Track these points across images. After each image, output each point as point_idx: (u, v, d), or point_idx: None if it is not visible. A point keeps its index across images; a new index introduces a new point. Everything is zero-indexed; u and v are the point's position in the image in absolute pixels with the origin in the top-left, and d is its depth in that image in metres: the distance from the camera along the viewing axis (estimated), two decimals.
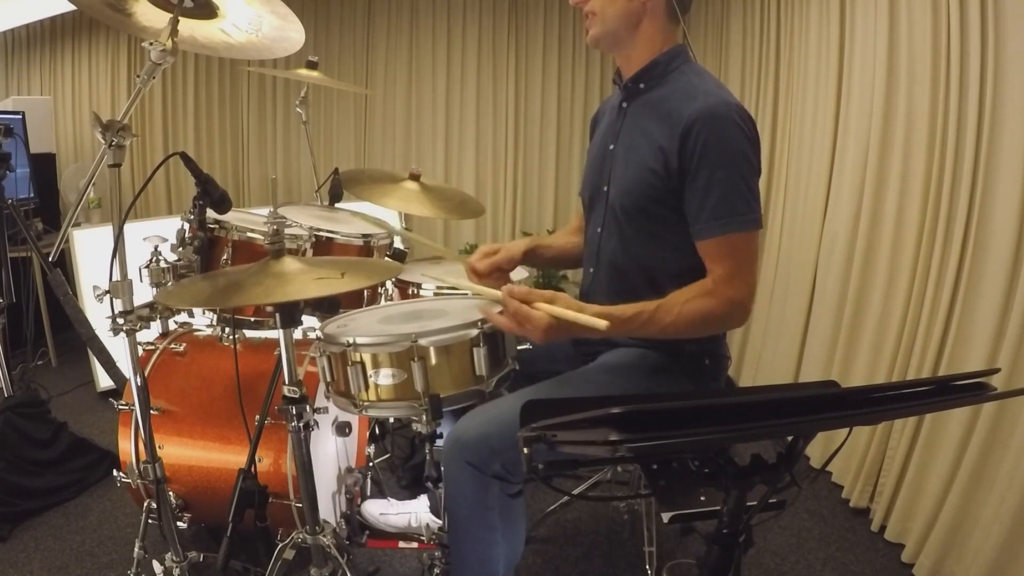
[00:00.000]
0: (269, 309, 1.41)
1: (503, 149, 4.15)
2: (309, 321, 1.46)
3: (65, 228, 1.46)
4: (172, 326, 1.77)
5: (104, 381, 2.81)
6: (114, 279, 1.30)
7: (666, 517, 0.94)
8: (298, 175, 4.35)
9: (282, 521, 1.53)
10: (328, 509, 1.69)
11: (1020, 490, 1.45)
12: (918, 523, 1.77)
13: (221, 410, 1.59)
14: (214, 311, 1.70)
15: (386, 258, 1.92)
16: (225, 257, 1.62)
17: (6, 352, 2.33)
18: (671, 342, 1.31)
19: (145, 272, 1.48)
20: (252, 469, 1.40)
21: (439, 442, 1.35)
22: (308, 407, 1.34)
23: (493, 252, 1.50)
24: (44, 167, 3.57)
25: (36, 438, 2.11)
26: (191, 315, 1.81)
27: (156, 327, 1.57)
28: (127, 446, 1.59)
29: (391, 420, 2.22)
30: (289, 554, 1.41)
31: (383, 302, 1.88)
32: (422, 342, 1.22)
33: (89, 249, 2.77)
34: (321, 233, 1.77)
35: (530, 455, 0.74)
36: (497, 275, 1.48)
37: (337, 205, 2.13)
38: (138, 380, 1.36)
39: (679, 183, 1.24)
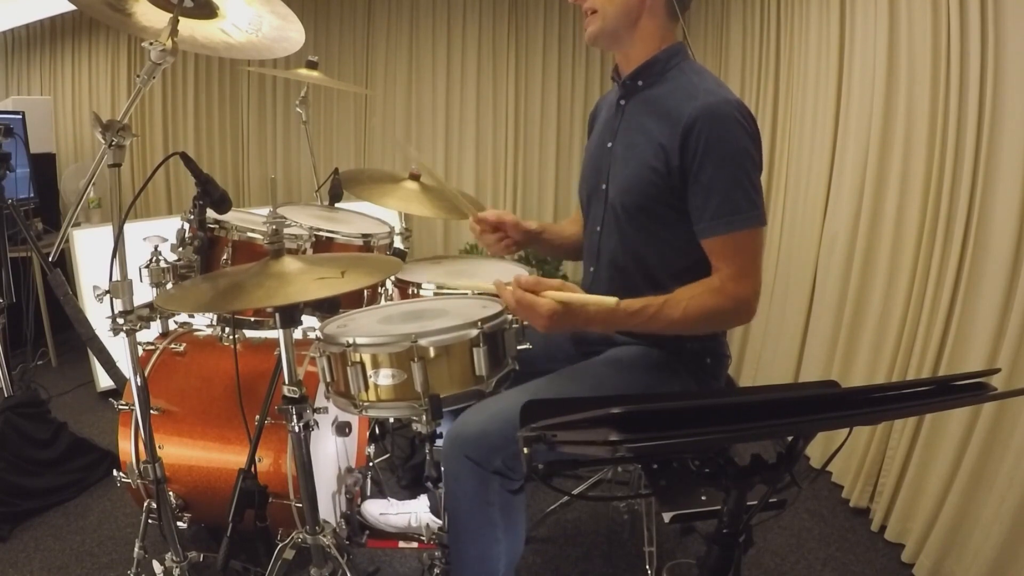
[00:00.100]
0: (269, 309, 1.41)
1: (503, 149, 4.14)
2: (309, 321, 1.46)
3: (65, 228, 1.45)
4: (172, 326, 1.77)
5: (104, 381, 2.81)
6: (114, 279, 1.30)
7: (666, 517, 0.94)
8: (298, 175, 4.35)
9: (282, 521, 1.53)
10: (328, 509, 1.69)
11: (1020, 490, 1.45)
12: (918, 523, 1.77)
13: (221, 410, 1.59)
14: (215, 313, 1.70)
15: None
16: (225, 257, 1.62)
17: (6, 352, 2.33)
18: (673, 340, 1.32)
19: (145, 272, 1.48)
20: (252, 469, 1.40)
21: (439, 442, 1.35)
22: (308, 407, 1.34)
23: (500, 227, 1.51)
24: (44, 167, 3.56)
25: (36, 438, 2.11)
26: (191, 315, 1.81)
27: (156, 327, 1.58)
28: (127, 446, 1.59)
29: (391, 420, 2.22)
30: (289, 554, 1.41)
31: (383, 302, 1.88)
32: (422, 342, 1.22)
33: (89, 249, 2.77)
34: (321, 233, 1.77)
35: (530, 455, 0.74)
36: (500, 236, 1.51)
37: (337, 205, 2.13)
38: (138, 380, 1.36)
39: (680, 181, 1.24)
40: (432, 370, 1.24)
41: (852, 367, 2.16)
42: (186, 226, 1.59)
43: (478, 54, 4.08)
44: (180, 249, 1.56)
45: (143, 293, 1.41)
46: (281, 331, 1.30)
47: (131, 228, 1.30)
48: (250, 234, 1.63)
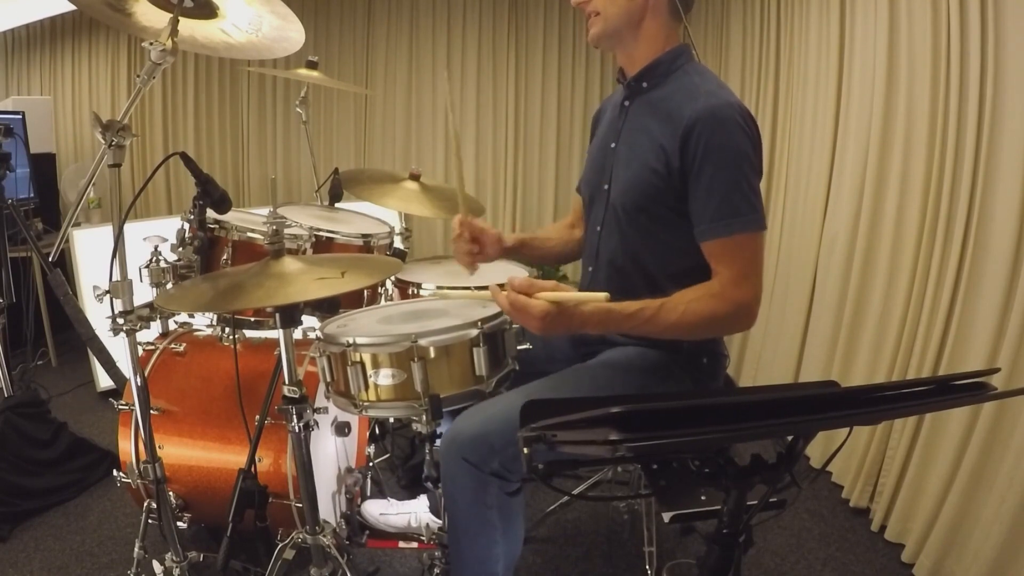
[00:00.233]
0: (269, 309, 1.41)
1: (503, 149, 4.15)
2: (309, 321, 1.46)
3: (65, 228, 1.46)
4: (172, 326, 1.77)
5: (104, 381, 2.81)
6: (114, 279, 1.30)
7: (666, 517, 0.94)
8: (298, 175, 4.35)
9: (282, 521, 1.53)
10: (328, 509, 1.69)
11: (1020, 490, 1.45)
12: (918, 523, 1.77)
13: (221, 410, 1.59)
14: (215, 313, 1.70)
15: None
16: (225, 257, 1.62)
17: (6, 352, 2.33)
18: (670, 340, 1.31)
19: (145, 272, 1.48)
20: (252, 469, 1.40)
21: (439, 442, 1.35)
22: (308, 407, 1.34)
23: (478, 240, 1.43)
24: (44, 167, 3.56)
25: (36, 438, 2.11)
26: (191, 315, 1.81)
27: (156, 327, 1.58)
28: (127, 446, 1.59)
29: (391, 420, 2.22)
30: (289, 554, 1.41)
31: (383, 302, 1.88)
32: (422, 342, 1.22)
33: (89, 249, 2.77)
34: (321, 233, 1.77)
35: (530, 455, 0.74)
36: (475, 248, 1.42)
37: (337, 205, 2.13)
38: (138, 380, 1.36)
39: (680, 183, 1.24)
40: (432, 370, 1.24)
41: (852, 367, 2.16)
42: (186, 226, 1.59)
43: (478, 54, 4.08)
44: (180, 249, 1.56)
45: (143, 293, 1.41)
46: (281, 331, 1.30)
47: (131, 228, 1.30)
48: (250, 234, 1.63)
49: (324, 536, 1.41)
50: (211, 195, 1.45)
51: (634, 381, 1.33)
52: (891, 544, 1.88)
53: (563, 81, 4.07)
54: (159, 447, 1.51)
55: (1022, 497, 1.45)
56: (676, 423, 0.64)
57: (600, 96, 4.01)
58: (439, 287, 1.79)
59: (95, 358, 2.57)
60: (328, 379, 1.34)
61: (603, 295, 1.08)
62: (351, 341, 1.25)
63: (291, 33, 1.54)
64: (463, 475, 1.21)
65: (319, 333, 1.34)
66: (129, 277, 1.32)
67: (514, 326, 1.35)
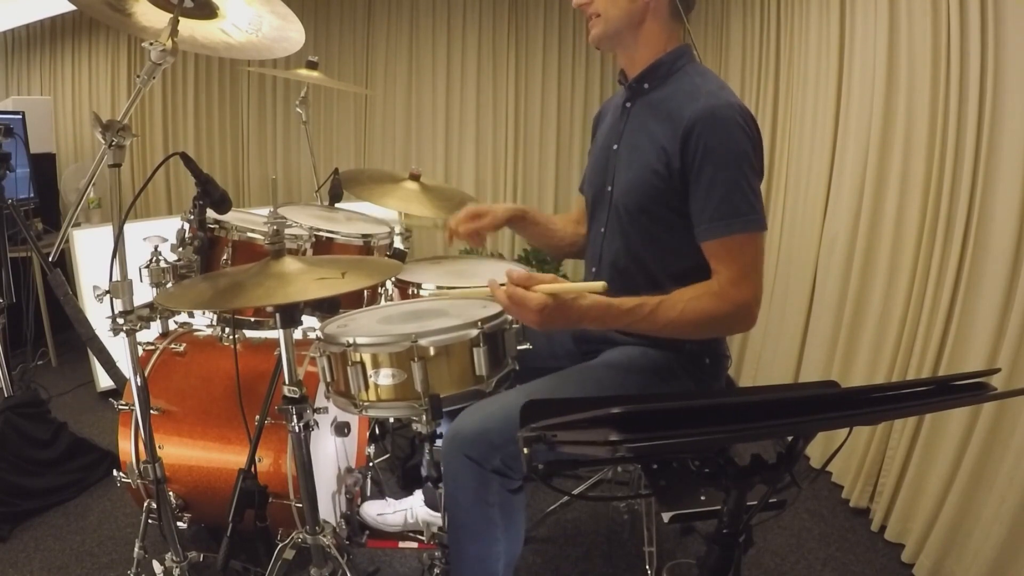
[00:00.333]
0: (269, 309, 1.41)
1: (503, 149, 4.14)
2: (309, 321, 1.46)
3: (65, 228, 1.45)
4: (172, 326, 1.77)
5: (104, 381, 2.81)
6: (114, 279, 1.30)
7: (666, 517, 0.94)
8: (298, 175, 4.35)
9: (282, 521, 1.53)
10: (328, 509, 1.69)
11: (1020, 490, 1.45)
12: (918, 523, 1.77)
13: (221, 410, 1.59)
14: (214, 311, 1.70)
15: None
16: (225, 257, 1.62)
17: (6, 352, 2.33)
18: (672, 340, 1.31)
19: (145, 272, 1.48)
20: (252, 469, 1.40)
21: (439, 442, 1.35)
22: (308, 407, 1.34)
23: (478, 216, 1.50)
24: (44, 167, 3.56)
25: (36, 438, 2.11)
26: (191, 315, 1.81)
27: (156, 327, 1.57)
28: (127, 446, 1.59)
29: (391, 420, 2.22)
30: (289, 554, 1.41)
31: (383, 302, 1.88)
32: (422, 342, 1.22)
33: (89, 249, 2.77)
34: (321, 233, 1.77)
35: (530, 455, 0.74)
36: (477, 223, 1.49)
37: (337, 205, 2.13)
38: (138, 380, 1.36)
39: (681, 184, 1.24)
40: (432, 370, 1.24)
41: (852, 367, 2.16)
42: (186, 226, 1.59)
43: (478, 54, 4.08)
44: (180, 249, 1.55)
45: (143, 293, 1.41)
46: (281, 331, 1.30)
47: (131, 228, 1.30)
48: (250, 234, 1.63)
49: (324, 536, 1.41)
50: (211, 195, 1.45)
51: (636, 381, 1.33)
52: (891, 544, 1.88)
53: (563, 81, 4.07)
54: (159, 447, 1.51)
55: (1022, 497, 1.45)
56: (676, 423, 0.64)
57: (600, 97, 4.00)
58: (439, 287, 1.79)
59: (95, 358, 2.57)
60: (328, 379, 1.34)
61: (600, 284, 1.08)
62: (351, 341, 1.25)
63: (291, 33, 1.54)
64: (465, 472, 1.21)
65: (319, 333, 1.34)
66: (129, 277, 1.32)
67: (514, 326, 1.35)
